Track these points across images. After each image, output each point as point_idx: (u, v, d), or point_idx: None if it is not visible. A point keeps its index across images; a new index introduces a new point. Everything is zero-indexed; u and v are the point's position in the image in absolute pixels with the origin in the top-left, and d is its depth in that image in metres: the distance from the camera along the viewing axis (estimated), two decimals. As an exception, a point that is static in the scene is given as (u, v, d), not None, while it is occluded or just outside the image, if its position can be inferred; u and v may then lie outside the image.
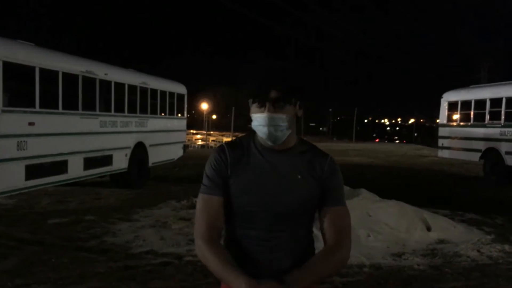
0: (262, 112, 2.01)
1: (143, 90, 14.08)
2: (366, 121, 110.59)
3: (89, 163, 11.18)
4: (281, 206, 2.06)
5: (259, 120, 2.02)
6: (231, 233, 2.14)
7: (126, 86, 13.10)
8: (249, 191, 2.07)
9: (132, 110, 13.41)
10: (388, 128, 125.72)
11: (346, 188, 9.65)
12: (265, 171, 2.09)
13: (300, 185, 2.09)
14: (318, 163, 2.15)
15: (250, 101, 2.06)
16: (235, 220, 2.12)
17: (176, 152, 16.62)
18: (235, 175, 2.09)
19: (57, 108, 10.05)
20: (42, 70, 9.51)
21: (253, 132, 2.15)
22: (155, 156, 14.67)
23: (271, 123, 2.00)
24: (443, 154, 19.57)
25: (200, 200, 2.13)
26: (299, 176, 2.10)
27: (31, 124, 9.11)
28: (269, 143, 2.08)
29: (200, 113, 66.86)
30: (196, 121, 68.70)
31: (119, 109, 12.76)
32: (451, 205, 10.98)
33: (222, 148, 2.17)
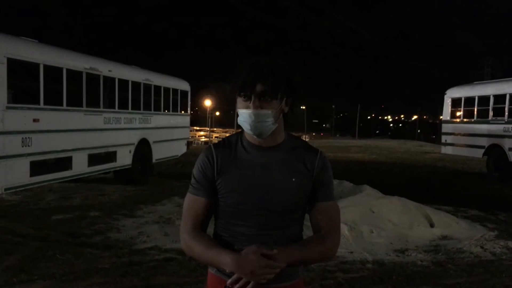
0: (248, 106, 2.00)
1: (147, 87, 14.11)
2: (369, 117, 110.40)
3: (93, 159, 11.21)
4: (271, 203, 2.05)
5: (244, 116, 2.02)
6: (221, 231, 2.13)
7: (130, 83, 13.13)
8: (238, 189, 2.06)
9: (135, 106, 13.44)
10: (391, 125, 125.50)
11: (349, 185, 9.68)
12: (254, 169, 2.08)
13: (291, 182, 2.08)
14: (308, 158, 2.13)
15: (237, 95, 2.05)
16: (225, 218, 2.12)
17: (179, 149, 16.65)
18: (224, 175, 2.09)
19: (61, 104, 10.09)
20: (46, 67, 9.54)
21: (241, 131, 2.16)
22: (159, 153, 14.70)
23: (257, 119, 1.99)
24: (446, 150, 19.55)
25: (187, 200, 2.16)
26: (289, 173, 2.09)
27: (35, 120, 9.15)
28: (255, 137, 2.06)
29: (203, 109, 66.91)
30: (199, 118, 68.81)
31: (123, 105, 12.79)
32: (454, 202, 10.99)
33: (209, 149, 2.16)
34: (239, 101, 2.05)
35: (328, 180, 2.17)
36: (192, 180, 2.15)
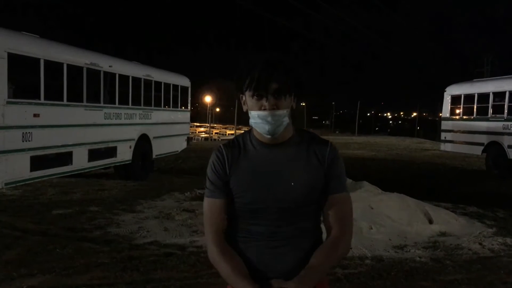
0: (262, 105, 1.98)
1: (147, 83, 14.12)
2: (368, 114, 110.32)
3: (94, 154, 11.23)
4: (285, 200, 2.04)
5: (260, 117, 1.99)
6: (236, 230, 2.13)
7: (130, 79, 13.14)
8: (250, 188, 2.06)
9: (136, 102, 13.46)
10: (390, 122, 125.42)
11: (349, 181, 9.69)
12: (265, 167, 2.07)
13: (303, 176, 2.07)
14: (319, 151, 2.12)
15: (248, 93, 2.02)
16: (239, 218, 2.12)
17: (179, 145, 16.66)
18: (235, 174, 2.08)
19: (61, 100, 10.10)
20: (47, 62, 9.55)
21: (249, 130, 2.15)
22: (159, 148, 14.71)
23: (274, 121, 1.99)
24: (446, 147, 19.58)
25: (206, 204, 2.15)
26: (301, 167, 2.08)
27: (36, 115, 9.17)
28: (268, 136, 2.05)
29: (203, 105, 66.81)
30: (199, 114, 68.71)
31: (123, 101, 12.80)
32: (453, 198, 11.00)
33: (219, 149, 2.15)
34: (251, 100, 2.02)
35: (339, 172, 2.15)
36: (207, 183, 2.15)
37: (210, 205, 2.13)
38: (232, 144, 2.16)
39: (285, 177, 2.06)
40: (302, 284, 1.91)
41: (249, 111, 2.06)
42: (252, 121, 2.04)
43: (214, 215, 2.11)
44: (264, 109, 1.99)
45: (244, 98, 2.08)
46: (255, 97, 2.00)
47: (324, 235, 2.18)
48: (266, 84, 1.97)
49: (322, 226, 2.21)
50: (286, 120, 2.02)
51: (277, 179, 2.06)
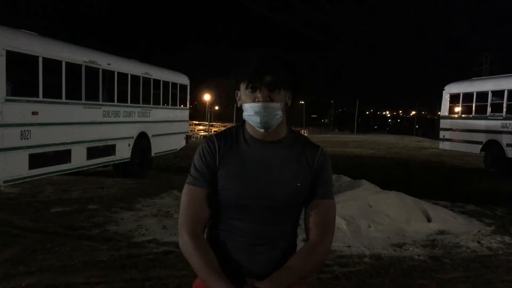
0: (256, 97, 1.98)
1: (146, 81, 14.11)
2: (367, 113, 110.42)
3: (92, 152, 11.23)
4: (271, 198, 2.03)
5: (253, 109, 1.98)
6: (219, 224, 2.11)
7: (129, 76, 13.14)
8: (238, 182, 2.04)
9: (135, 100, 13.45)
10: (389, 120, 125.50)
11: (347, 179, 9.71)
12: (254, 163, 2.05)
13: (291, 177, 2.06)
14: (309, 154, 2.11)
15: (242, 86, 2.02)
16: (222, 212, 2.09)
17: (178, 143, 16.67)
18: (224, 166, 2.06)
19: (60, 97, 10.09)
20: (45, 60, 9.54)
21: (242, 123, 2.14)
22: (158, 146, 14.72)
23: (267, 113, 1.97)
24: (444, 146, 19.60)
25: (186, 191, 2.11)
26: (290, 168, 2.07)
27: (34, 113, 9.16)
28: (261, 131, 2.03)
29: (202, 104, 66.88)
30: (198, 112, 68.81)
31: (122, 99, 12.80)
32: (451, 197, 11.01)
33: (211, 138, 2.13)
34: (245, 93, 2.02)
35: (327, 178, 2.14)
36: (192, 171, 2.11)
37: (191, 193, 2.09)
38: (225, 135, 2.14)
39: (274, 175, 2.05)
40: (274, 284, 1.91)
41: (243, 105, 2.04)
42: (245, 114, 2.03)
43: (194, 203, 2.07)
44: (258, 101, 1.98)
45: (239, 94, 2.08)
46: (249, 89, 2.00)
47: (299, 239, 2.18)
48: (261, 76, 1.96)
49: (298, 230, 2.20)
50: (280, 114, 2.01)
51: (266, 177, 2.04)
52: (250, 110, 2.00)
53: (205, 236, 2.13)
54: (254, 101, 1.99)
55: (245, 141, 2.10)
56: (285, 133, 2.13)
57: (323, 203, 2.11)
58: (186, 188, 2.12)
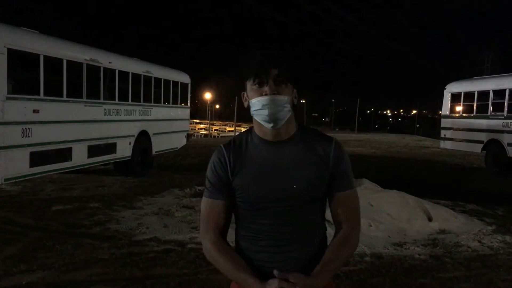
0: (263, 92, 1.97)
1: (147, 79, 14.11)
2: (368, 112, 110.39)
3: (93, 150, 11.23)
4: (289, 197, 2.02)
5: (260, 103, 1.97)
6: (243, 230, 2.12)
7: (130, 75, 13.14)
8: (255, 187, 2.03)
9: (136, 98, 13.45)
10: (390, 119, 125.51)
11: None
12: (268, 165, 2.05)
13: (306, 174, 2.05)
14: (322, 148, 2.10)
15: (249, 83, 2.02)
16: (243, 218, 2.11)
17: (179, 141, 16.67)
18: (238, 175, 2.06)
19: (61, 96, 10.10)
20: (46, 58, 9.54)
21: (249, 129, 2.14)
22: (159, 145, 14.72)
23: (274, 105, 1.96)
24: (445, 145, 19.58)
25: (204, 204, 2.13)
26: (304, 164, 2.06)
27: (35, 111, 9.16)
28: (269, 126, 2.01)
29: (203, 102, 66.88)
30: (199, 111, 68.79)
31: (123, 97, 12.80)
32: (452, 196, 11.00)
33: (220, 150, 2.12)
34: (252, 89, 2.01)
35: (345, 169, 2.12)
36: (207, 184, 2.13)
37: (208, 205, 2.12)
38: (233, 144, 2.13)
39: (289, 174, 2.04)
40: (319, 279, 1.92)
41: (250, 102, 2.04)
42: (253, 110, 2.02)
43: (212, 214, 2.10)
44: (265, 95, 1.97)
45: (245, 95, 2.07)
46: (256, 85, 2.00)
47: (328, 231, 2.18)
48: (267, 70, 1.97)
49: (326, 223, 2.21)
50: (288, 107, 2.00)
51: (281, 177, 2.04)
52: (258, 104, 1.99)
53: (232, 245, 2.14)
54: (261, 95, 1.99)
55: (254, 145, 2.10)
56: (295, 130, 2.11)
57: (346, 194, 2.11)
58: (203, 200, 2.15)
